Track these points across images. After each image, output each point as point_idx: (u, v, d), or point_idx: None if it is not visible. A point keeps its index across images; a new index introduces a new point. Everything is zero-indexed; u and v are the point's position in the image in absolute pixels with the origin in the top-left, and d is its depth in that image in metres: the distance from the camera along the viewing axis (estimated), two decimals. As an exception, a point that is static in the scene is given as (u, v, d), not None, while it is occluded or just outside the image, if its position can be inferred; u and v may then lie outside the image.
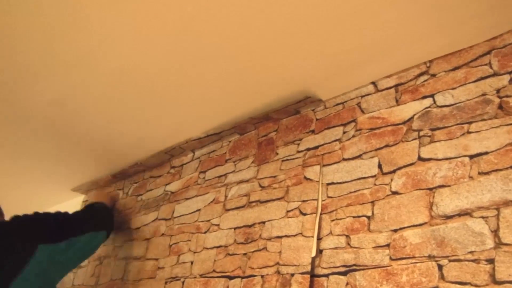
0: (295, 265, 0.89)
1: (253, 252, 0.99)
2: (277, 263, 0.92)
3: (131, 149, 1.46)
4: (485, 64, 0.81)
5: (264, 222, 1.01)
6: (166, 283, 1.20)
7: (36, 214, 1.12)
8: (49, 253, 1.03)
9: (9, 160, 1.55)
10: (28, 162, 1.57)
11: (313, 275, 0.85)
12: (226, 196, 1.17)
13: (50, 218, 1.14)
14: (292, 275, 0.88)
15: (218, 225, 1.13)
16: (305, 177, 0.99)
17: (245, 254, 1.01)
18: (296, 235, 0.92)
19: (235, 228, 1.08)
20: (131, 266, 1.39)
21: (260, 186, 1.09)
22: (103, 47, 0.91)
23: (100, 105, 1.16)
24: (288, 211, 0.97)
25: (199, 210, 1.23)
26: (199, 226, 1.19)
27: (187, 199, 1.31)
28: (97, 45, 0.90)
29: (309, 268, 0.86)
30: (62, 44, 0.91)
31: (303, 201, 0.96)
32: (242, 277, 0.97)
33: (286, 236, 0.94)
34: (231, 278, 1.00)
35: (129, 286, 1.34)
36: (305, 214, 0.94)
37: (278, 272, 0.91)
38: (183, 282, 1.14)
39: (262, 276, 0.93)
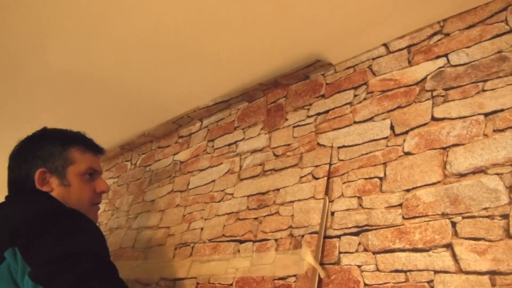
0: (305, 226, 0.89)
1: (264, 216, 1.00)
2: (290, 226, 0.93)
3: (138, 118, 1.46)
4: (501, 21, 0.79)
5: (278, 189, 1.01)
6: (176, 249, 1.21)
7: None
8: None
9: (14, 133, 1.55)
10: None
11: (325, 237, 0.86)
12: (240, 167, 1.17)
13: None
14: (303, 236, 0.89)
15: (232, 194, 1.14)
16: (318, 143, 0.99)
17: (256, 218, 1.02)
18: (308, 198, 0.93)
19: (248, 196, 1.09)
20: (142, 235, 1.40)
21: (275, 155, 1.08)
22: (114, 13, 0.89)
23: (108, 74, 1.15)
24: (301, 177, 0.98)
25: (213, 181, 1.23)
26: (213, 196, 1.20)
27: (201, 170, 1.31)
28: (109, 12, 0.89)
29: (317, 228, 0.87)
30: (72, 10, 0.89)
31: (316, 166, 0.96)
32: (254, 241, 0.98)
33: (298, 200, 0.95)
34: (241, 242, 1.01)
35: (139, 254, 1.35)
36: (317, 178, 0.93)
37: (291, 235, 0.92)
38: (192, 247, 1.15)
39: (276, 240, 0.94)
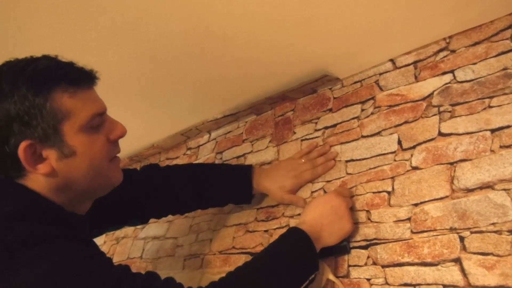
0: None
1: (275, 229, 1.01)
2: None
3: (146, 131, 1.48)
4: (506, 39, 0.81)
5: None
6: (185, 260, 1.23)
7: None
8: None
9: None
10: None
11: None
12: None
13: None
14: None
15: (241, 206, 1.15)
16: (328, 158, 1.00)
17: (266, 231, 1.03)
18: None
19: (258, 209, 1.10)
20: (150, 245, 1.42)
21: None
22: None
23: (120, 86, 1.17)
24: (312, 192, 0.99)
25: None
26: (223, 208, 1.21)
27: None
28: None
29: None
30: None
31: (327, 181, 0.98)
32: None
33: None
34: (252, 254, 1.03)
35: (147, 264, 1.37)
36: (326, 192, 0.95)
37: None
38: (202, 259, 1.17)
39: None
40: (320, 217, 0.81)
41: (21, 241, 0.57)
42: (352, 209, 0.88)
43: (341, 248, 0.84)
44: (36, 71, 0.62)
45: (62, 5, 0.82)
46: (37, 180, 0.64)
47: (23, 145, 0.60)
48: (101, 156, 0.68)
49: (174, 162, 1.54)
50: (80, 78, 0.66)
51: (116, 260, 1.51)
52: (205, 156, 1.40)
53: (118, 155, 0.76)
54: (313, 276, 0.75)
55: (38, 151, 0.62)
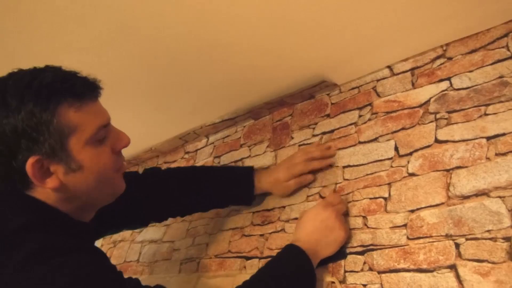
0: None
1: (270, 233, 1.02)
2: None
3: (145, 135, 1.48)
4: (503, 47, 0.82)
5: (284, 207, 1.03)
6: (181, 264, 1.23)
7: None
8: None
9: None
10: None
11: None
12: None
13: None
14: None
15: (238, 210, 1.15)
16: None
17: (262, 235, 1.04)
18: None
19: (253, 212, 1.10)
20: (147, 248, 1.42)
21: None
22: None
23: (119, 90, 1.18)
24: (308, 196, 1.00)
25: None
26: (219, 211, 1.21)
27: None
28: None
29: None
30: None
31: (324, 186, 0.98)
32: (260, 258, 1.00)
33: (303, 217, 0.97)
34: (247, 258, 1.03)
35: (144, 268, 1.37)
36: (324, 198, 0.95)
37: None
38: (198, 263, 1.17)
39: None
40: (312, 233, 0.82)
41: (38, 253, 0.58)
42: (348, 214, 0.88)
43: (338, 253, 0.84)
44: (42, 85, 0.61)
45: (61, 6, 0.83)
46: (44, 192, 0.65)
47: (30, 160, 0.60)
48: (108, 168, 0.69)
49: (172, 165, 1.54)
50: (85, 91, 0.66)
51: (113, 263, 1.50)
52: (203, 160, 1.40)
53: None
54: None
55: (46, 166, 0.62)
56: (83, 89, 0.65)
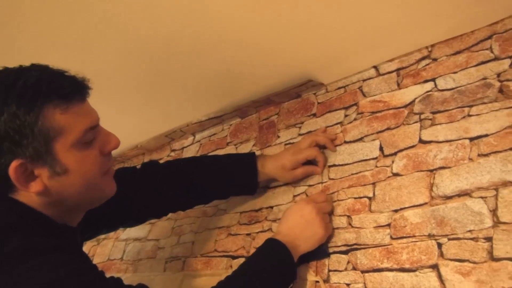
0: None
1: (257, 233, 1.01)
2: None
3: (132, 131, 1.47)
4: (486, 49, 0.83)
5: (272, 207, 1.03)
6: (166, 262, 1.22)
7: None
8: None
9: None
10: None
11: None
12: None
13: None
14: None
15: (225, 209, 1.15)
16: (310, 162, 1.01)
17: (248, 234, 1.03)
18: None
19: (241, 212, 1.10)
20: (131, 246, 1.41)
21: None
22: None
23: (104, 86, 1.16)
24: (294, 196, 1.00)
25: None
26: (206, 210, 1.20)
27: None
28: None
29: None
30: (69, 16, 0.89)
31: (309, 185, 0.98)
32: (246, 257, 1.00)
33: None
34: (234, 257, 1.03)
35: (128, 266, 1.36)
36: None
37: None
38: (183, 261, 1.16)
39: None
40: (292, 227, 0.82)
41: (18, 253, 0.57)
42: (332, 214, 0.88)
43: (321, 252, 0.84)
44: (26, 86, 0.59)
45: (47, 0, 0.81)
46: (28, 195, 0.63)
47: (13, 164, 0.58)
48: (95, 171, 0.67)
49: (158, 163, 1.53)
50: (72, 92, 0.63)
51: (96, 261, 1.49)
52: (189, 158, 1.39)
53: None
54: (291, 285, 0.79)
55: (29, 169, 0.60)
56: (70, 89, 0.63)
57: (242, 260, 1.00)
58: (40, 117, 0.59)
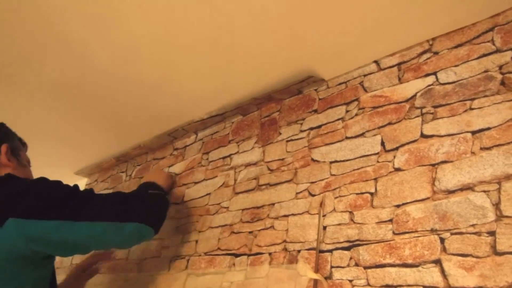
0: (301, 242, 0.91)
1: (259, 230, 1.01)
2: (284, 241, 0.94)
3: (134, 130, 1.47)
4: (488, 41, 0.82)
5: (273, 204, 1.03)
6: (171, 261, 1.22)
7: (33, 184, 0.86)
8: (20, 229, 0.78)
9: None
10: (30, 144, 1.58)
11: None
12: (235, 180, 1.18)
13: (54, 191, 0.86)
14: (299, 251, 0.90)
15: (227, 207, 1.15)
16: (312, 159, 1.00)
17: (251, 232, 1.03)
18: (303, 213, 0.94)
19: (243, 210, 1.10)
20: (135, 246, 1.40)
21: (269, 169, 1.10)
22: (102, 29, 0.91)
23: (103, 85, 1.17)
24: (297, 193, 0.99)
25: (209, 194, 1.25)
26: (209, 209, 1.20)
27: (196, 182, 1.32)
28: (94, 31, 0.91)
29: (315, 244, 0.88)
30: (67, 22, 0.91)
31: (312, 182, 0.97)
32: (249, 255, 0.99)
33: (293, 214, 0.96)
34: (237, 255, 1.03)
35: (133, 266, 1.36)
36: (313, 195, 0.95)
37: (285, 249, 0.93)
38: (188, 260, 1.16)
39: (270, 254, 0.95)
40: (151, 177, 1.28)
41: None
42: (335, 210, 0.88)
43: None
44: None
45: None
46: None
47: (5, 144, 0.97)
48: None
49: (161, 162, 1.53)
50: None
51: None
52: (192, 156, 1.39)
53: None
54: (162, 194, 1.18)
55: (9, 154, 0.96)
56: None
57: (244, 258, 1.00)
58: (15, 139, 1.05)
